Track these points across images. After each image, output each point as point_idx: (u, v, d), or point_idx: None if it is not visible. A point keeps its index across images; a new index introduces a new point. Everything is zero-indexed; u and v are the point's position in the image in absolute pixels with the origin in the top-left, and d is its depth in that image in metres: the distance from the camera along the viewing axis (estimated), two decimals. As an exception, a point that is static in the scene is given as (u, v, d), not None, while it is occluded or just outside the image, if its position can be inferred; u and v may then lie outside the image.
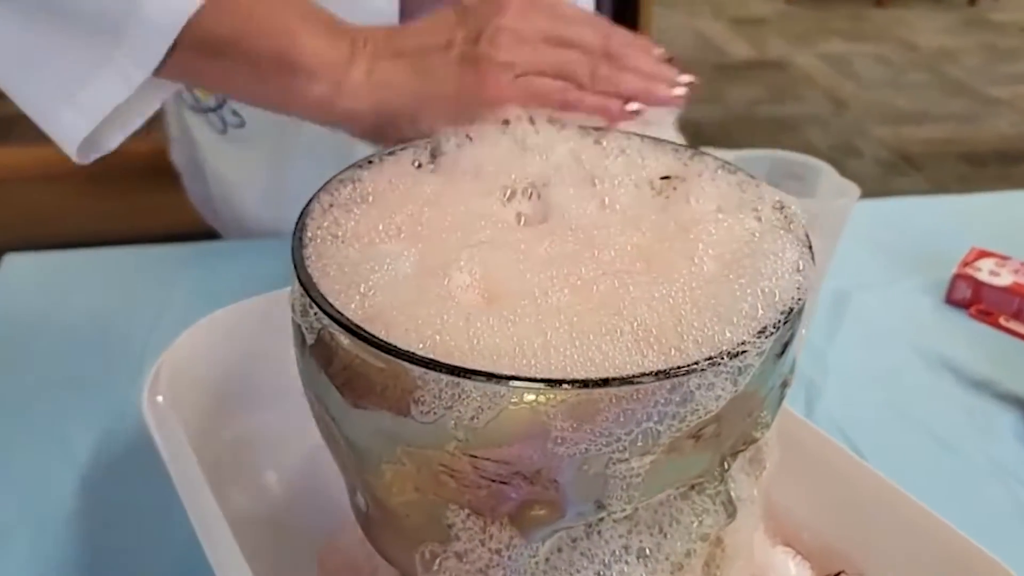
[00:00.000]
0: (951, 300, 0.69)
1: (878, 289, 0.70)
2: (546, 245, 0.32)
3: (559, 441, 0.27)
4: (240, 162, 0.73)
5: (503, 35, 0.46)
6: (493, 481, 0.29)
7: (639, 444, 0.27)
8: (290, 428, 0.44)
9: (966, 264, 0.70)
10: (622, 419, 0.27)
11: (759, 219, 0.34)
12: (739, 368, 0.27)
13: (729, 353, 0.26)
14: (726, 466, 0.32)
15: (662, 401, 0.26)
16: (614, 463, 0.28)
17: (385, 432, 0.29)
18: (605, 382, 0.26)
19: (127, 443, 0.48)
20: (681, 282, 0.29)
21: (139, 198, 1.14)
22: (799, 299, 0.29)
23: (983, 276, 0.68)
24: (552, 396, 0.26)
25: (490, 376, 0.26)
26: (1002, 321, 0.66)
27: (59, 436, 0.53)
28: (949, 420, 0.58)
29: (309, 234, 0.32)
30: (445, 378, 0.26)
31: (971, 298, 0.69)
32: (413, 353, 0.27)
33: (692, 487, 0.32)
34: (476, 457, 0.28)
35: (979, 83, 3.14)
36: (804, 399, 0.59)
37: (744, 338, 0.27)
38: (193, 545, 0.35)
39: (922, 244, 0.76)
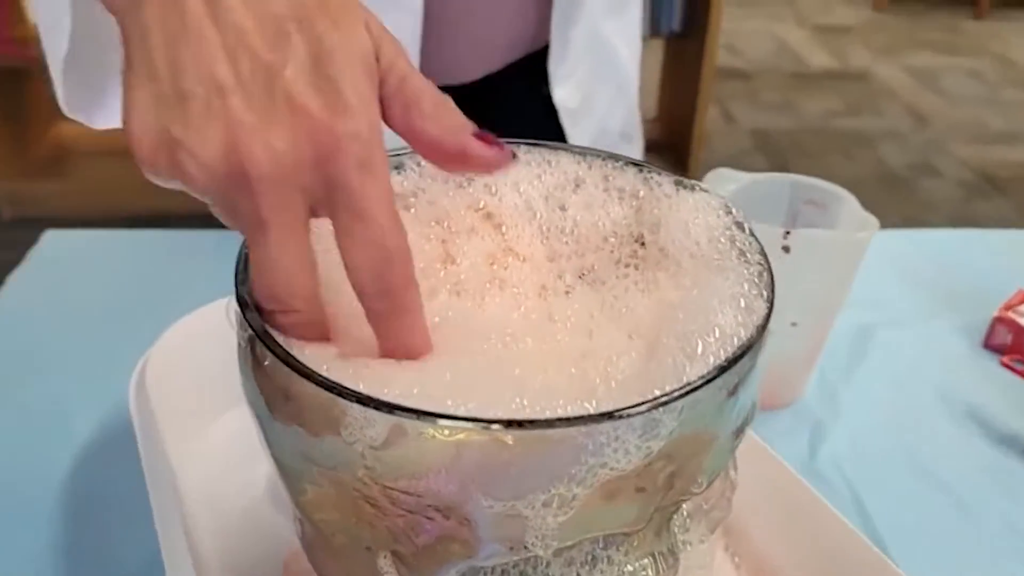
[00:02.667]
0: (989, 345, 0.65)
1: (908, 326, 0.66)
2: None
3: (469, 481, 0.26)
4: None
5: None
6: (407, 511, 0.28)
7: (548, 492, 0.26)
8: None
9: (1009, 307, 0.65)
10: (530, 465, 0.25)
11: (703, 243, 0.32)
12: (651, 423, 0.25)
13: (627, 412, 0.24)
14: (664, 518, 0.31)
15: (568, 451, 0.25)
16: (525, 508, 0.26)
17: (301, 450, 0.28)
18: (511, 424, 0.24)
19: (123, 429, 0.49)
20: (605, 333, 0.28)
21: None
22: (740, 343, 0.27)
23: (1026, 321, 0.64)
24: (459, 434, 0.25)
25: (393, 408, 0.25)
26: (1039, 371, 0.62)
27: (59, 418, 0.54)
28: (969, 478, 0.54)
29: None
30: (351, 405, 0.26)
31: (1011, 344, 0.64)
32: (316, 373, 0.26)
33: (626, 535, 0.30)
34: (387, 487, 0.27)
35: (1079, 106, 2.97)
36: (808, 441, 0.56)
37: (655, 393, 0.25)
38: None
39: (964, 281, 0.72)
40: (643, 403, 0.25)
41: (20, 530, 0.47)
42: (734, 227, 0.33)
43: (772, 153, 2.58)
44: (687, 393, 0.25)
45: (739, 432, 0.32)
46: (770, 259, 0.50)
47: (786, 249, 0.50)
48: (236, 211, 0.27)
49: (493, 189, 0.35)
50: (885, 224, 0.55)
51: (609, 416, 0.25)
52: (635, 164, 0.37)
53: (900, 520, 0.50)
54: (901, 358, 0.63)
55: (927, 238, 0.79)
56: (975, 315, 0.67)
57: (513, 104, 0.80)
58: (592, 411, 0.25)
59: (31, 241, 0.71)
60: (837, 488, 0.52)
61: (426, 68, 0.71)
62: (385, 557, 0.30)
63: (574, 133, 0.78)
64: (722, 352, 0.26)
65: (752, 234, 0.33)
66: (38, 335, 0.62)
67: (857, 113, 2.90)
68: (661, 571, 0.32)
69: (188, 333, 0.50)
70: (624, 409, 0.25)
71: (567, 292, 0.32)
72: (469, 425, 0.24)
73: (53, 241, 0.73)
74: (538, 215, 0.35)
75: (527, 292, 0.32)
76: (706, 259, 0.31)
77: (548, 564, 0.31)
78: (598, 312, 0.30)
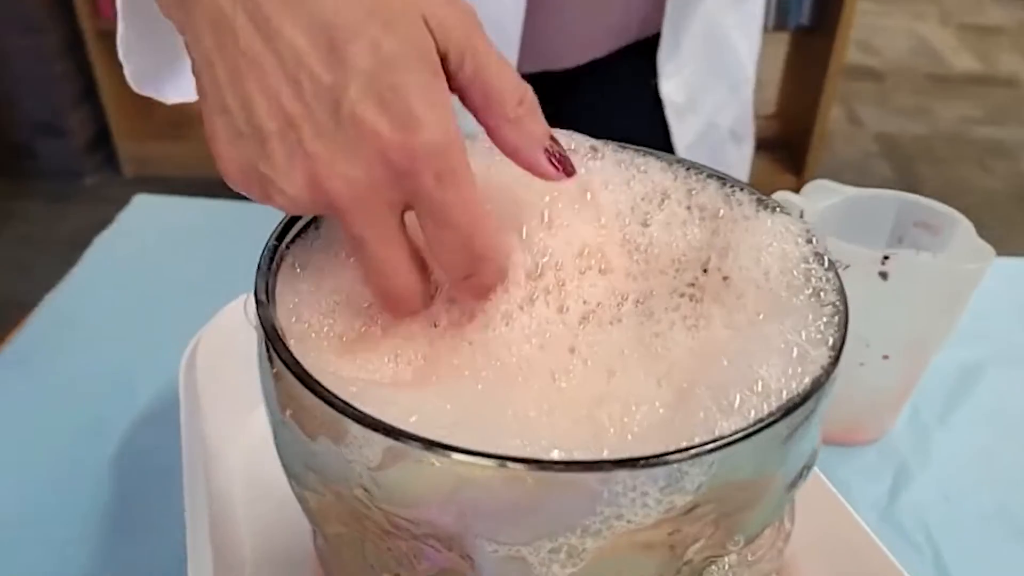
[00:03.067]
0: (1115, 396, 0.58)
1: (1019, 367, 0.59)
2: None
3: (467, 518, 0.24)
4: None
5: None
6: (409, 537, 0.26)
7: (556, 541, 0.23)
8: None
9: None
10: (535, 509, 0.23)
11: (773, 274, 0.28)
12: (675, 476, 0.22)
13: (646, 461, 0.21)
14: (695, 572, 0.27)
15: (578, 499, 0.22)
16: (530, 554, 0.24)
17: (304, 458, 0.27)
18: (511, 461, 0.22)
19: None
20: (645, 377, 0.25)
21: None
22: (788, 398, 0.24)
23: None
24: (455, 467, 0.23)
25: (386, 430, 0.23)
26: None
27: (120, 383, 0.55)
28: None
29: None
30: (350, 422, 0.24)
31: None
32: (319, 384, 0.24)
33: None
34: (384, 510, 0.25)
35: None
36: (890, 485, 0.50)
37: (682, 444, 0.22)
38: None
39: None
40: (665, 453, 0.22)
41: (69, 486, 0.48)
42: (812, 258, 0.29)
43: (898, 160, 2.42)
44: (718, 448, 0.22)
45: (792, 485, 0.29)
46: (865, 286, 0.46)
47: (883, 276, 0.45)
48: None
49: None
50: (1018, 245, 0.49)
51: (626, 464, 0.22)
52: (719, 178, 0.33)
53: None
54: (1010, 401, 0.57)
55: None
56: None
57: (618, 93, 0.76)
58: (607, 456, 0.22)
59: None
60: (917, 543, 0.47)
61: (528, 53, 0.68)
62: (387, 579, 0.28)
63: (679, 129, 0.74)
64: (764, 407, 0.23)
65: (832, 267, 0.29)
66: (115, 296, 0.63)
67: (1000, 122, 2.68)
68: (689, 628, 0.29)
69: (241, 315, 0.49)
70: (642, 458, 0.22)
71: (612, 323, 0.29)
72: (462, 458, 0.22)
73: (143, 205, 0.74)
74: (626, 223, 0.32)
75: (573, 312, 0.29)
76: (772, 294, 0.28)
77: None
78: (629, 350, 0.27)
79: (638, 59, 0.72)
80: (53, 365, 0.57)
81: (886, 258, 0.45)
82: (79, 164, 2.22)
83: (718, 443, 0.22)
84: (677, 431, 0.24)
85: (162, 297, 0.63)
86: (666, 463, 0.22)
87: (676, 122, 0.73)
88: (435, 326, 0.30)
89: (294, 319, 0.30)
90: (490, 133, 0.29)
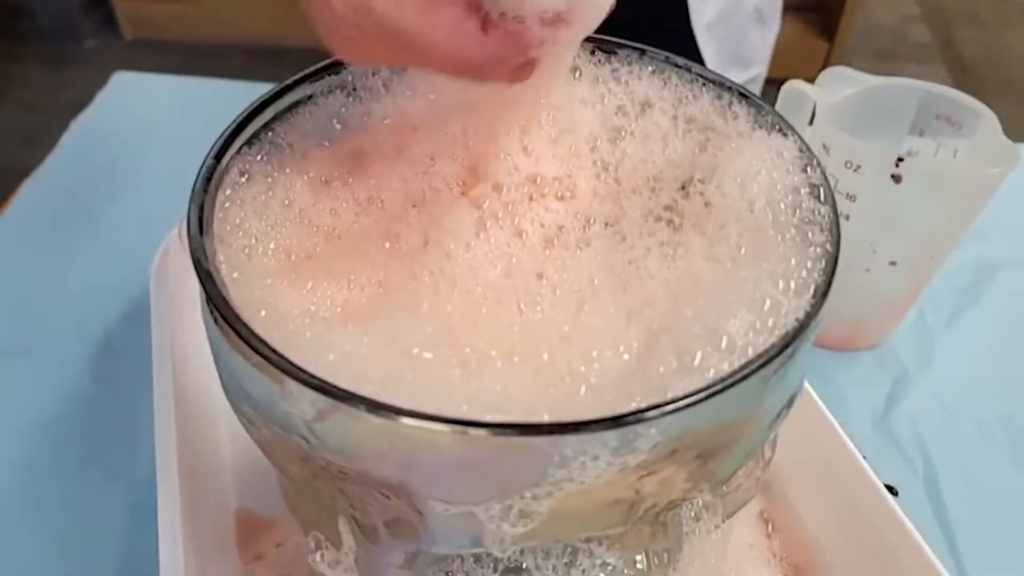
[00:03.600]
0: None
1: (1035, 269, 0.56)
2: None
3: (411, 476, 0.22)
4: None
5: None
6: (358, 482, 0.25)
7: (504, 503, 0.22)
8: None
9: None
10: (479, 471, 0.21)
11: (759, 204, 0.26)
12: (628, 438, 0.20)
13: (596, 424, 0.19)
14: (656, 516, 0.26)
15: (524, 461, 0.21)
16: (480, 512, 0.22)
17: (240, 391, 0.25)
18: (451, 422, 0.20)
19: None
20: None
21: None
22: (762, 350, 0.21)
23: None
24: (398, 427, 0.21)
25: (319, 386, 0.21)
26: None
27: (95, 279, 0.54)
28: None
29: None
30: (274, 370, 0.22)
31: None
32: (250, 331, 0.22)
33: (607, 535, 0.26)
34: (326, 459, 0.24)
35: None
36: (887, 393, 0.49)
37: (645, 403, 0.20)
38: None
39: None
40: (615, 417, 0.20)
41: (48, 369, 0.48)
42: (806, 190, 0.26)
43: (938, 24, 2.27)
44: (672, 412, 0.20)
45: (773, 424, 0.27)
46: (876, 188, 0.43)
47: (896, 179, 0.42)
48: None
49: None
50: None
51: (571, 428, 0.20)
52: (719, 84, 0.30)
53: (976, 505, 0.43)
54: (1019, 306, 0.54)
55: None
56: None
57: None
58: (550, 420, 0.20)
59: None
60: (909, 455, 0.45)
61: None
62: (344, 521, 0.28)
63: (698, 4, 0.68)
64: (726, 366, 0.21)
65: (828, 199, 0.26)
66: (91, 184, 0.61)
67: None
68: (653, 566, 0.28)
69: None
70: (590, 422, 0.20)
71: (579, 247, 0.26)
72: (397, 419, 0.20)
73: (122, 84, 0.71)
74: (597, 142, 0.29)
75: (534, 239, 0.27)
76: (757, 227, 0.25)
77: (522, 551, 0.27)
78: (601, 278, 0.25)
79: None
80: (28, 264, 0.55)
81: (900, 160, 0.41)
82: (78, 25, 2.14)
83: (671, 406, 0.20)
84: (636, 385, 0.22)
85: (142, 184, 0.61)
86: (616, 427, 0.20)
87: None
88: (390, 246, 0.28)
89: (240, 234, 0.27)
90: None
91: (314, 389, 0.21)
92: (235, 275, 0.26)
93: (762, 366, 0.21)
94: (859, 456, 0.36)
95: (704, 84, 0.30)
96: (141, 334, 0.43)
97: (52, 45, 2.15)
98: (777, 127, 0.28)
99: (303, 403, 0.22)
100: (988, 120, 0.45)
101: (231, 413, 0.28)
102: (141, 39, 2.15)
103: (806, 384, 0.38)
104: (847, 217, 0.45)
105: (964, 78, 2.13)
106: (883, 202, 0.43)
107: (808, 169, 0.26)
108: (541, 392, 0.22)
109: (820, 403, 0.38)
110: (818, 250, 0.24)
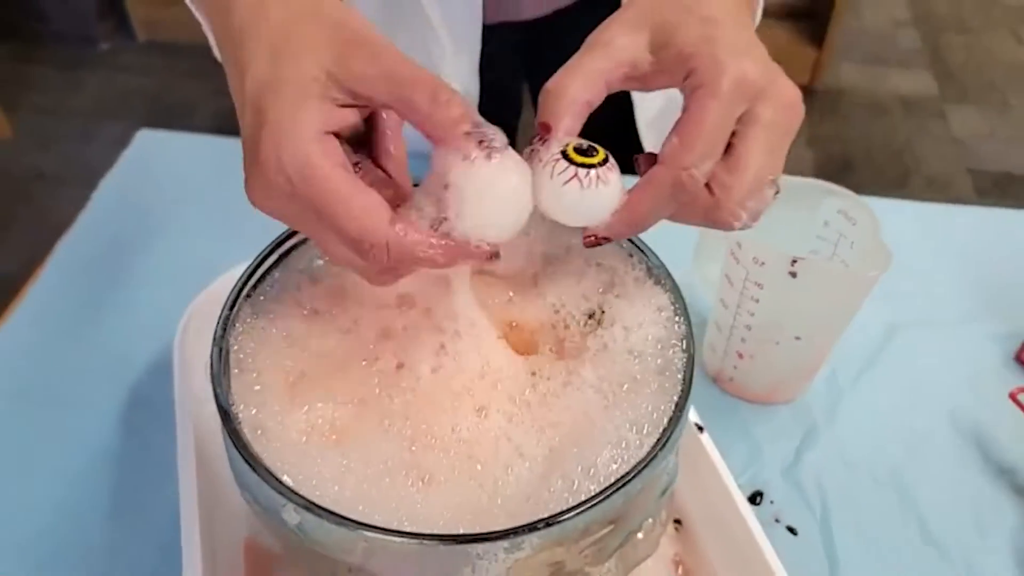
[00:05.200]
0: (1021, 359, 0.63)
1: (937, 328, 0.64)
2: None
3: (373, 562, 0.31)
4: None
5: None
6: (333, 561, 0.34)
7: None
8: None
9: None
10: (419, 562, 0.30)
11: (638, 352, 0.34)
12: (516, 543, 0.29)
13: (497, 534, 0.28)
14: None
15: (448, 558, 0.30)
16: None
17: (243, 480, 0.34)
18: (396, 534, 0.29)
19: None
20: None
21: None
22: (619, 479, 0.30)
23: (1068, 341, 0.61)
24: (360, 535, 0.30)
25: (302, 503, 0.30)
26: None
27: (123, 342, 0.62)
28: (946, 510, 0.53)
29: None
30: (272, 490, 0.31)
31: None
32: (249, 451, 0.31)
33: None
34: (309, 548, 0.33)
35: None
36: (796, 446, 0.57)
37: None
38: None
39: (1018, 280, 0.68)
40: (508, 530, 0.29)
41: (82, 420, 0.57)
42: (673, 342, 0.35)
43: (929, 28, 2.33)
44: (549, 525, 0.29)
45: (651, 513, 0.36)
46: (778, 279, 0.51)
47: (793, 275, 0.51)
48: None
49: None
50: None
51: (481, 537, 0.29)
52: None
53: (862, 548, 0.51)
54: (917, 364, 0.62)
55: (984, 230, 0.73)
56: (1018, 323, 0.64)
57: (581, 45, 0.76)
58: (464, 532, 0.29)
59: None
60: (811, 504, 0.53)
61: (492, 4, 0.69)
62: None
63: (642, 104, 0.74)
64: (593, 488, 0.30)
65: (689, 349, 0.34)
66: (121, 242, 0.70)
67: None
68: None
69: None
70: (492, 533, 0.29)
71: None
72: (357, 531, 0.29)
73: (145, 142, 0.79)
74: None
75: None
76: (634, 370, 0.34)
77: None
78: (522, 399, 0.34)
79: (603, 9, 0.72)
80: (64, 320, 0.64)
81: (795, 261, 0.50)
82: (92, 28, 2.21)
83: (549, 522, 0.29)
84: (534, 502, 0.31)
85: (170, 238, 0.69)
86: (507, 537, 0.29)
87: (639, 94, 0.73)
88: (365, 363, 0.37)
89: (251, 362, 0.36)
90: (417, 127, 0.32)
91: (299, 505, 0.30)
92: (253, 412, 0.34)
93: (617, 490, 0.30)
94: (744, 505, 0.45)
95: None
96: (165, 384, 0.51)
97: (66, 48, 2.23)
98: (659, 281, 0.37)
99: (291, 510, 0.31)
100: (874, 225, 0.53)
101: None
102: (154, 42, 2.23)
103: (707, 440, 0.46)
104: (757, 300, 0.53)
105: (948, 82, 2.19)
106: (784, 292, 0.52)
107: (676, 325, 0.35)
108: (472, 504, 0.31)
109: (719, 459, 0.46)
110: (673, 392, 0.33)
